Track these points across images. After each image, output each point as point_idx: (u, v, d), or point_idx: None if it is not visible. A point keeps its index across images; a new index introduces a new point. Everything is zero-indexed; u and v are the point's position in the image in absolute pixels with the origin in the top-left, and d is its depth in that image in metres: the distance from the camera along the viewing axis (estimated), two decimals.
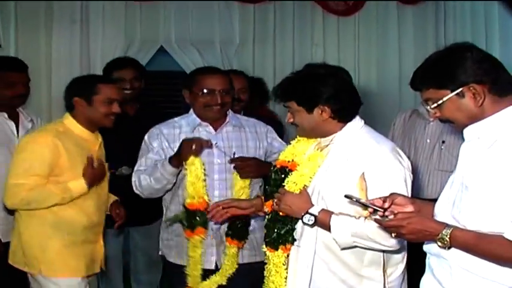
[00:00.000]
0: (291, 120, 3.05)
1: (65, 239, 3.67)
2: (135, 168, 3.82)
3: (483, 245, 2.24)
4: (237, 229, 3.66)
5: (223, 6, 6.37)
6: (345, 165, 2.90)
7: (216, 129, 3.80)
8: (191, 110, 3.84)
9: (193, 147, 3.52)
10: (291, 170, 3.09)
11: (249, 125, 3.91)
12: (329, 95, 2.92)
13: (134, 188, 3.79)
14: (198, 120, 3.79)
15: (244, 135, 3.85)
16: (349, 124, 3.00)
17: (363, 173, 2.85)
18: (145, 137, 3.84)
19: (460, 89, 2.30)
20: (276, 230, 3.03)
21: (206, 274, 3.71)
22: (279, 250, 3.03)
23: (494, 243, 2.21)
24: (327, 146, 3.03)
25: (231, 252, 3.68)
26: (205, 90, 3.70)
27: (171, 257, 3.88)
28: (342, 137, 2.99)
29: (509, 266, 2.23)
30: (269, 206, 3.13)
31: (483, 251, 2.25)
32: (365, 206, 2.63)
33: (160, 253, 4.02)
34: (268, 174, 3.31)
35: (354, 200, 2.66)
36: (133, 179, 3.78)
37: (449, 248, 2.33)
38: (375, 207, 2.56)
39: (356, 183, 2.86)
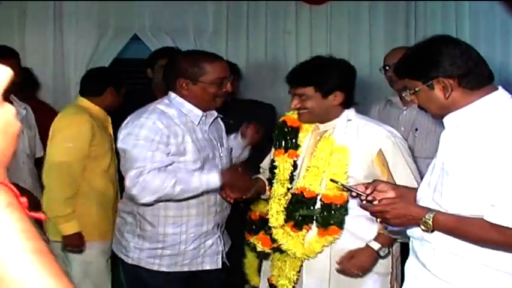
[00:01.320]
0: (299, 105, 3.21)
1: (96, 206, 4.13)
2: (137, 164, 3.28)
3: (464, 227, 2.34)
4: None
5: None
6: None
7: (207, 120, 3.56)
8: (175, 99, 3.45)
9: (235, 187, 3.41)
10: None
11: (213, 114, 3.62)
12: (345, 82, 3.21)
13: (135, 191, 3.31)
14: (200, 112, 3.46)
15: (219, 126, 3.71)
16: (346, 110, 3.25)
17: (380, 149, 3.13)
18: (143, 131, 3.31)
19: (430, 82, 2.44)
20: (299, 212, 3.20)
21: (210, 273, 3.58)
22: (303, 230, 3.22)
23: (475, 226, 2.30)
24: (326, 131, 3.27)
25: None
26: (218, 80, 3.41)
27: (163, 266, 3.52)
28: (342, 121, 3.23)
29: (490, 247, 2.32)
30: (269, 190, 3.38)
31: (465, 234, 2.35)
32: (349, 191, 2.77)
33: (130, 262, 3.55)
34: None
35: (339, 184, 2.83)
36: (138, 178, 3.27)
37: (432, 231, 2.42)
38: (358, 192, 2.67)
39: (374, 159, 3.13)
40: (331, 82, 3.18)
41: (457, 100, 2.42)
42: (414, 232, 2.57)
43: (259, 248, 3.41)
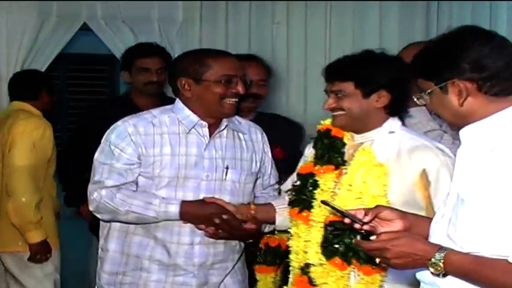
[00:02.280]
0: (334, 105, 3.12)
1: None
2: (96, 178, 3.43)
3: (484, 271, 2.20)
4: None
5: None
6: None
7: (211, 134, 3.44)
8: (177, 105, 3.47)
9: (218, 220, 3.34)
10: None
11: (243, 129, 3.57)
12: (394, 81, 3.09)
13: (91, 207, 3.45)
14: (197, 118, 3.41)
15: (239, 144, 3.53)
16: (390, 119, 3.16)
17: (423, 170, 3.01)
18: (111, 136, 3.43)
19: (444, 84, 2.33)
20: (337, 245, 3.05)
21: None
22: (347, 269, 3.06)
23: (497, 270, 2.17)
24: (362, 143, 3.18)
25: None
26: (225, 78, 3.37)
27: None
28: (383, 134, 3.14)
29: None
30: (296, 215, 3.23)
31: (484, 279, 2.22)
32: (342, 216, 2.61)
33: None
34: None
35: (331, 207, 2.67)
36: (93, 194, 3.40)
37: (444, 275, 2.28)
38: (352, 218, 2.55)
39: (416, 181, 3.01)
40: (376, 78, 3.09)
41: (475, 109, 2.30)
42: (424, 275, 2.40)
43: None
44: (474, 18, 6.43)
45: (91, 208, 3.46)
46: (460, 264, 2.24)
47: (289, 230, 3.29)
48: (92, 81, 9.96)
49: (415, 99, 2.48)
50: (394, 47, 6.00)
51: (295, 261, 3.21)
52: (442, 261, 2.24)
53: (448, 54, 2.32)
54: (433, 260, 2.25)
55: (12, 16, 5.76)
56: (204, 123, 3.42)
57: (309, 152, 3.35)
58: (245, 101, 4.09)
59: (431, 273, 2.30)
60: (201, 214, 3.34)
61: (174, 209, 3.32)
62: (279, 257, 3.65)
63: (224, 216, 3.33)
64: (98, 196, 3.38)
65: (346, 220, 2.58)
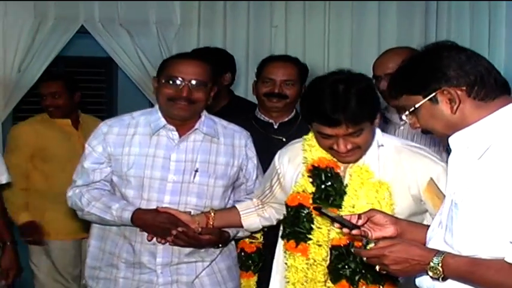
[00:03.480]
0: (350, 146, 3.01)
1: None
2: (73, 177, 3.61)
3: (481, 272, 2.26)
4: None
5: None
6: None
7: (180, 136, 3.48)
8: (155, 107, 3.58)
9: (174, 232, 3.34)
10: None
11: (225, 134, 3.59)
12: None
13: (69, 203, 3.61)
14: (163, 121, 3.48)
15: (215, 148, 3.54)
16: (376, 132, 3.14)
17: (431, 179, 2.99)
18: (91, 136, 3.61)
19: (433, 94, 2.37)
20: (344, 269, 3.02)
21: None
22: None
23: (492, 269, 2.22)
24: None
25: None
26: (171, 78, 3.42)
27: None
28: (374, 147, 3.10)
29: None
30: (293, 249, 3.15)
31: (481, 279, 2.27)
32: (333, 221, 2.69)
33: (83, 282, 3.80)
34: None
35: (322, 213, 2.73)
36: (69, 193, 3.58)
37: (444, 279, 2.32)
38: (342, 223, 2.61)
39: (424, 191, 3.01)
40: (377, 103, 3.07)
41: (467, 114, 2.34)
42: (423, 282, 2.46)
43: None
44: (473, 18, 6.44)
45: (68, 204, 3.62)
46: (457, 266, 2.26)
47: (285, 262, 3.22)
48: (89, 83, 9.89)
49: (405, 120, 2.49)
50: (392, 46, 6.06)
51: None
52: (440, 264, 2.27)
53: (432, 65, 2.36)
54: (431, 264, 2.28)
55: (8, 18, 5.69)
56: (171, 126, 3.48)
57: (295, 175, 3.25)
58: (270, 100, 4.21)
59: (431, 277, 2.33)
60: (152, 223, 3.38)
61: (127, 215, 3.38)
62: (255, 263, 3.73)
63: (179, 229, 3.35)
64: (71, 194, 3.56)
65: (336, 225, 2.63)
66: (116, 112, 9.96)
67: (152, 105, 6.03)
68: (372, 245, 2.56)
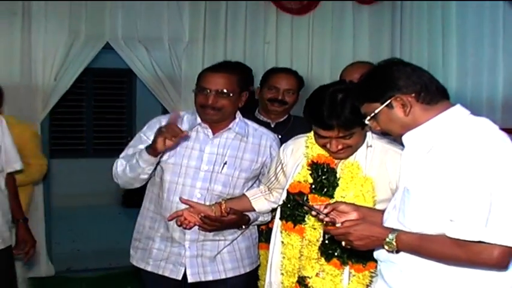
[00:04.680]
0: (341, 146, 3.15)
1: None
2: (121, 155, 3.75)
3: (427, 245, 2.39)
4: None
5: (173, 2, 6.42)
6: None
7: (214, 133, 3.68)
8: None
9: (165, 134, 3.38)
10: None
11: (254, 135, 3.75)
12: None
13: (113, 176, 3.71)
14: (199, 120, 3.68)
15: (243, 146, 3.70)
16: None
17: None
18: (145, 127, 3.76)
19: (388, 101, 2.52)
20: (336, 250, 3.14)
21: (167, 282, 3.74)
22: (344, 270, 3.16)
23: (437, 243, 2.36)
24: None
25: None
26: (200, 88, 3.60)
27: (134, 259, 3.87)
28: (363, 146, 3.21)
29: (454, 264, 2.38)
30: (291, 229, 3.28)
31: (428, 251, 2.40)
32: (309, 209, 2.86)
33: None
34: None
35: (302, 203, 2.96)
36: (113, 166, 3.70)
37: (397, 252, 2.49)
38: (317, 211, 2.77)
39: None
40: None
41: (417, 116, 2.50)
42: (380, 254, 2.63)
43: None
44: (430, 41, 6.62)
45: (113, 177, 3.70)
46: (409, 241, 2.43)
47: (281, 240, 3.33)
48: (113, 91, 10.23)
49: (367, 123, 2.64)
50: (365, 55, 6.33)
51: (288, 265, 3.29)
52: (394, 240, 2.45)
53: (386, 77, 2.54)
54: (387, 239, 2.46)
55: (48, 36, 6.00)
56: (205, 125, 3.64)
57: (296, 166, 3.37)
58: (273, 104, 4.47)
59: (387, 250, 2.50)
60: (158, 134, 3.42)
61: (144, 151, 3.46)
62: None
63: (202, 215, 3.47)
64: (114, 167, 3.67)
65: (313, 213, 2.82)
66: (135, 114, 10.25)
67: (164, 109, 6.40)
68: (339, 224, 2.66)
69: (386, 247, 2.49)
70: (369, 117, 2.60)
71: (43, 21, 6.03)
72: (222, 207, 3.54)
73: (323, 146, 3.20)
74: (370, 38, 7.02)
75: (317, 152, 3.28)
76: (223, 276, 3.75)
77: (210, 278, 3.72)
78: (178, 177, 3.65)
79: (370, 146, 3.24)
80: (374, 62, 5.32)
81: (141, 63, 6.34)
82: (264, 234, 3.98)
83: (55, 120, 7.58)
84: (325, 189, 3.21)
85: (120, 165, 3.63)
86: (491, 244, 2.24)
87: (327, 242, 3.14)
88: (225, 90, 3.57)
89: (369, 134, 3.23)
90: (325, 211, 2.75)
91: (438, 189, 2.35)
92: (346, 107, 3.01)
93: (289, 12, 6.78)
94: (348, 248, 2.74)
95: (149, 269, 3.75)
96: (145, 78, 6.45)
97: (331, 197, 3.18)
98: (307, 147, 3.34)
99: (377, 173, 3.18)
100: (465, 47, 6.19)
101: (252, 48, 6.69)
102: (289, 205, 3.31)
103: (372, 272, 3.12)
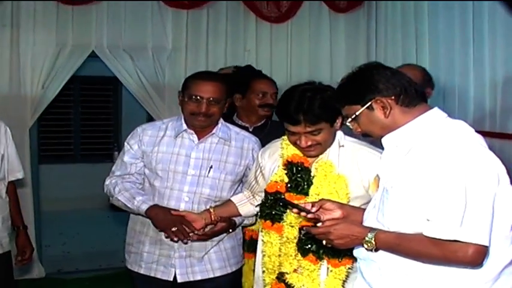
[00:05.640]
0: (310, 142, 3.18)
1: None
2: (112, 168, 3.83)
3: (405, 243, 2.40)
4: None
5: (156, 11, 6.41)
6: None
7: (199, 139, 3.70)
8: (181, 115, 3.74)
9: (174, 229, 3.51)
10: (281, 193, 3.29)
11: (237, 139, 3.78)
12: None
13: (105, 190, 3.79)
14: (185, 126, 3.70)
15: (227, 150, 3.73)
16: (338, 133, 3.28)
17: (377, 175, 3.04)
18: (129, 136, 3.82)
19: (369, 103, 2.52)
20: (311, 246, 3.16)
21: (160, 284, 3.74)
22: (320, 266, 3.18)
23: (414, 241, 2.37)
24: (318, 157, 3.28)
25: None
26: (192, 97, 3.59)
27: (129, 263, 3.87)
28: (335, 145, 3.25)
29: (431, 263, 2.39)
30: (269, 227, 3.31)
31: (405, 250, 2.41)
32: (293, 208, 2.81)
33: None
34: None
35: (286, 202, 2.95)
36: (107, 181, 3.79)
37: (376, 250, 2.49)
38: (301, 209, 2.75)
39: (370, 184, 3.12)
40: (337, 108, 3.08)
41: (397, 118, 2.51)
42: (360, 252, 2.63)
43: None
44: (404, 45, 6.60)
45: (104, 190, 3.78)
46: (387, 240, 2.44)
47: (261, 239, 3.37)
48: (100, 98, 10.24)
49: (349, 125, 2.64)
50: (341, 68, 6.41)
51: (268, 263, 3.31)
52: (373, 239, 2.45)
53: (366, 80, 2.54)
54: (366, 238, 2.47)
55: (36, 46, 6.01)
56: (191, 130, 3.66)
57: (272, 167, 3.41)
58: (263, 109, 4.50)
59: (366, 249, 2.50)
60: (161, 221, 3.55)
61: (144, 207, 3.57)
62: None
63: (199, 232, 3.53)
64: (108, 182, 3.76)
65: (295, 210, 2.79)
66: (121, 120, 10.30)
67: (149, 115, 6.42)
68: (320, 224, 2.67)
69: (365, 246, 2.49)
70: (350, 119, 2.60)
71: (31, 33, 6.05)
72: (212, 215, 3.58)
73: (295, 144, 3.22)
74: (346, 44, 7.04)
75: (292, 152, 3.31)
76: (211, 276, 3.76)
77: (198, 277, 3.74)
78: (166, 182, 3.67)
79: (342, 146, 3.26)
80: (350, 67, 5.45)
81: (126, 71, 6.34)
82: (247, 245, 3.97)
83: (44, 126, 7.59)
84: (300, 187, 3.23)
85: (118, 194, 3.70)
86: (466, 243, 2.26)
87: (303, 238, 3.15)
88: (216, 98, 3.59)
89: (340, 134, 3.28)
90: (314, 209, 2.75)
91: (416, 190, 2.36)
92: (313, 104, 3.06)
93: (268, 21, 6.80)
94: (324, 245, 2.75)
95: (142, 271, 3.76)
96: (130, 85, 6.45)
97: (306, 194, 3.21)
98: (283, 148, 3.37)
99: (350, 171, 3.20)
100: (437, 51, 6.19)
101: (233, 56, 6.68)
102: (267, 204, 3.33)
103: (349, 268, 3.15)
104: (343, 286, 3.18)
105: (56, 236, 8.04)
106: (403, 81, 2.54)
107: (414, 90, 2.54)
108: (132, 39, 6.35)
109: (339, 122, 3.19)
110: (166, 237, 3.58)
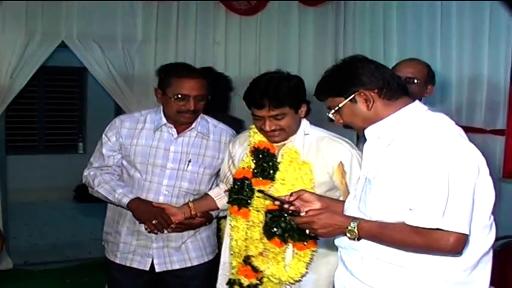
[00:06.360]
0: (274, 126, 3.29)
1: None
2: (90, 159, 3.85)
3: (387, 232, 2.44)
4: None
5: (127, 2, 6.37)
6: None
7: (178, 133, 3.71)
8: (160, 107, 3.74)
9: (154, 221, 3.59)
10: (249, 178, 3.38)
11: (215, 132, 3.81)
12: (305, 93, 3.34)
13: (83, 180, 3.82)
14: (164, 120, 3.70)
15: (205, 143, 3.76)
16: (303, 121, 3.38)
17: (340, 162, 3.25)
18: (107, 128, 3.81)
19: (352, 96, 2.56)
20: (277, 228, 3.24)
21: (136, 273, 3.78)
22: (285, 252, 3.28)
23: (396, 230, 2.41)
24: (284, 144, 3.37)
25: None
26: (179, 96, 3.58)
27: (107, 252, 3.91)
28: (300, 134, 3.34)
29: (413, 251, 2.43)
30: (236, 212, 3.40)
31: (388, 238, 2.45)
32: (274, 200, 2.87)
33: (103, 243, 4.00)
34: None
35: (266, 194, 2.94)
36: (85, 172, 3.82)
37: (358, 239, 2.53)
38: (281, 201, 2.80)
39: (334, 171, 3.26)
40: (301, 96, 3.30)
41: (379, 111, 2.55)
42: (341, 241, 2.67)
43: (246, 282, 3.41)
44: (372, 42, 6.70)
45: (83, 181, 3.83)
46: (369, 229, 2.48)
47: (229, 223, 3.47)
48: (65, 88, 10.14)
49: (331, 117, 2.67)
50: (309, 61, 6.57)
51: (235, 247, 3.40)
52: (356, 228, 2.50)
53: (350, 73, 2.57)
54: (349, 227, 2.51)
55: (4, 35, 5.87)
56: (170, 125, 3.68)
57: (241, 155, 3.49)
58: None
59: (349, 238, 2.54)
60: (142, 214, 3.61)
61: (125, 201, 3.61)
62: None
63: (176, 222, 3.60)
64: (87, 174, 3.79)
65: (276, 203, 2.84)
66: (86, 111, 10.25)
67: (117, 107, 6.46)
68: (303, 213, 2.69)
69: (348, 235, 2.53)
70: (333, 111, 2.63)
71: (0, 22, 5.93)
72: (191, 209, 3.64)
73: (260, 129, 3.32)
74: (314, 38, 7.08)
75: (259, 139, 3.40)
76: (188, 265, 3.82)
77: (176, 266, 3.80)
78: (146, 175, 3.69)
79: (307, 134, 3.34)
80: (318, 60, 5.39)
81: (96, 62, 6.26)
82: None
83: (10, 117, 7.47)
84: (266, 173, 3.31)
85: (98, 186, 3.73)
86: (448, 231, 2.30)
87: (268, 222, 3.25)
88: (202, 95, 3.62)
89: (305, 122, 3.37)
90: (291, 199, 2.78)
91: (399, 180, 2.39)
92: (278, 89, 3.17)
93: (238, 13, 6.80)
94: (290, 229, 3.01)
95: (117, 261, 3.80)
96: (99, 76, 6.37)
97: (272, 179, 3.30)
98: (250, 136, 3.46)
99: (314, 158, 3.28)
100: (405, 47, 6.27)
101: (202, 48, 6.71)
102: (234, 190, 3.40)
103: (313, 251, 3.27)
104: (306, 268, 3.29)
105: (23, 228, 7.99)
106: (386, 74, 2.58)
107: (396, 84, 2.57)
108: (102, 30, 6.28)
109: (303, 109, 3.30)
110: (147, 230, 3.63)
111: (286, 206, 2.77)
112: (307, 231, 2.69)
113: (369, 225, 2.49)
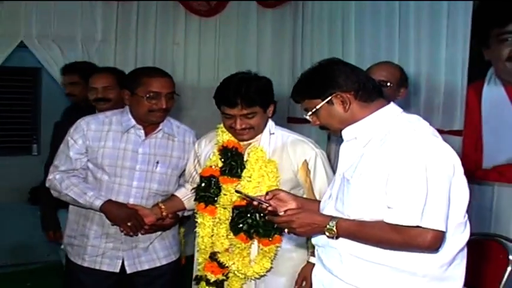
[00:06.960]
0: (244, 125, 3.37)
1: None
2: (54, 162, 3.77)
3: (365, 230, 2.47)
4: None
5: (86, 2, 6.32)
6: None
7: (147, 134, 3.71)
8: (126, 108, 3.72)
9: (129, 223, 3.59)
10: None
11: (179, 133, 3.81)
12: (273, 94, 3.48)
13: (47, 184, 3.78)
14: (133, 122, 3.68)
15: (171, 144, 3.77)
16: (269, 122, 3.47)
17: (305, 160, 3.35)
18: (71, 128, 3.75)
19: (329, 98, 2.58)
20: (243, 224, 3.32)
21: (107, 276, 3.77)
22: (250, 247, 3.37)
23: (375, 228, 2.44)
24: (250, 143, 3.45)
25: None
26: (151, 94, 3.57)
27: (72, 255, 3.85)
28: (266, 133, 3.44)
29: (392, 249, 2.46)
30: (203, 209, 3.47)
31: (367, 236, 2.47)
32: (251, 200, 2.87)
33: (62, 247, 3.99)
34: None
35: (243, 194, 2.96)
36: (50, 176, 3.74)
37: (337, 237, 2.55)
38: (259, 201, 2.80)
39: (299, 169, 3.36)
40: (270, 96, 3.40)
41: (355, 112, 2.58)
42: (319, 240, 2.68)
43: (212, 277, 3.45)
44: (330, 49, 6.72)
45: (47, 185, 3.76)
46: (348, 227, 2.50)
47: (195, 220, 3.52)
48: (18, 89, 10.02)
49: (307, 118, 2.69)
50: (267, 63, 6.69)
51: (201, 243, 3.46)
52: (335, 227, 2.51)
53: (327, 75, 2.59)
54: (328, 226, 2.52)
55: None
56: (139, 126, 3.67)
57: (208, 154, 3.54)
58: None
59: (327, 236, 2.55)
60: (116, 216, 3.60)
61: (98, 203, 3.57)
62: None
63: (147, 225, 3.62)
64: (52, 177, 3.71)
65: (255, 203, 2.83)
66: (40, 113, 9.91)
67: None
68: (282, 212, 2.70)
69: (327, 233, 2.55)
70: (310, 113, 2.65)
71: None
72: (162, 210, 3.68)
73: (230, 128, 3.38)
74: (272, 40, 7.17)
75: (227, 138, 3.45)
76: (158, 264, 3.84)
77: (146, 266, 3.81)
78: (115, 177, 3.68)
79: (273, 134, 3.43)
80: (275, 62, 5.39)
81: (55, 62, 6.17)
82: None
83: None
84: (234, 171, 3.38)
85: (65, 187, 3.67)
86: (426, 228, 2.34)
87: (235, 218, 3.32)
88: (172, 92, 3.64)
89: (271, 122, 3.46)
90: (267, 198, 2.80)
91: (377, 179, 2.43)
92: (250, 88, 3.26)
93: (198, 14, 6.84)
94: (256, 225, 3.16)
95: (86, 264, 3.76)
96: (58, 77, 6.01)
97: (239, 177, 3.37)
98: (218, 135, 3.50)
99: (279, 156, 3.38)
100: (363, 50, 6.33)
101: (162, 49, 6.74)
102: (201, 187, 3.46)
103: (278, 246, 3.36)
104: (271, 263, 3.37)
105: None
106: (362, 77, 2.62)
107: (372, 86, 2.61)
108: (62, 30, 6.23)
109: (271, 109, 3.41)
110: (122, 232, 3.64)
111: (264, 206, 2.78)
112: (286, 231, 2.72)
113: (347, 224, 2.51)
